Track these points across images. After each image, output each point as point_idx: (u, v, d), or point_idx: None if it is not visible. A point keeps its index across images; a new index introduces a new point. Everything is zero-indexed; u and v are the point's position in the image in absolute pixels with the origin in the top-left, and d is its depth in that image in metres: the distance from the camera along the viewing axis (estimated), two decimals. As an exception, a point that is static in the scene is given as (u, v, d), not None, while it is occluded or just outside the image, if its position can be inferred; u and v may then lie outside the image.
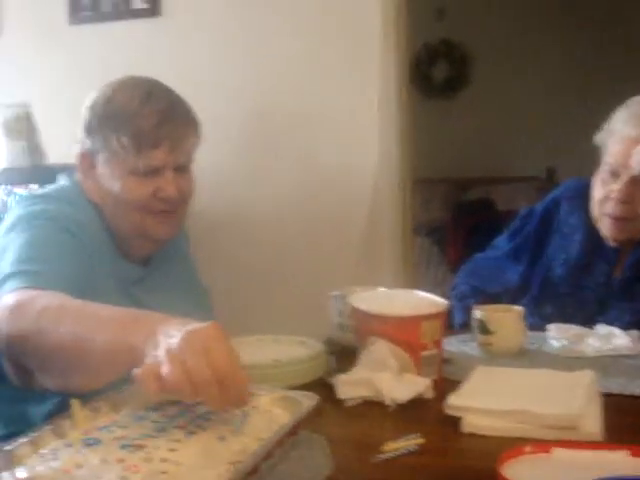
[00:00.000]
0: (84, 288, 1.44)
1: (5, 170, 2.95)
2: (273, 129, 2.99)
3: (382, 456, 1.12)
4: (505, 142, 6.17)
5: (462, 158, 6.13)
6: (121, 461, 0.97)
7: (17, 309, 1.26)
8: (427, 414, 1.32)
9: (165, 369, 1.00)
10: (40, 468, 0.97)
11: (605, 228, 1.92)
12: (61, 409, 1.16)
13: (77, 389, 1.17)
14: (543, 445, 1.10)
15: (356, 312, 1.51)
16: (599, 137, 1.93)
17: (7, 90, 3.17)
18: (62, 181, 1.74)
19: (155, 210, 1.63)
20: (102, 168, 1.63)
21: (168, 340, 1.04)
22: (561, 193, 2.11)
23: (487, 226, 3.21)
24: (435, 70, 6.51)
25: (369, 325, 1.47)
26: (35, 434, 1.05)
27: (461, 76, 6.47)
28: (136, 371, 1.02)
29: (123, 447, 1.01)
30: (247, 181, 3.02)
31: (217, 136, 3.04)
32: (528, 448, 1.09)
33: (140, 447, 1.01)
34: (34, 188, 2.74)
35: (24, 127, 2.97)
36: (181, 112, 1.65)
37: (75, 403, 1.12)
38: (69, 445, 1.03)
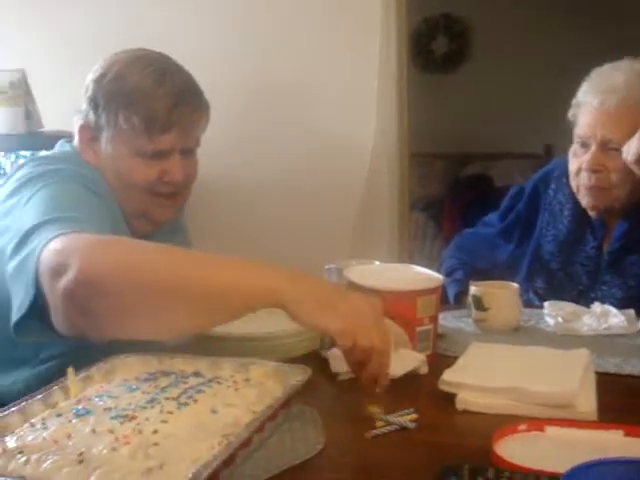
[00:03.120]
0: None
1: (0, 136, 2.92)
2: (271, 101, 2.97)
3: (375, 431, 1.12)
4: (504, 118, 6.13)
5: (461, 133, 6.10)
6: (111, 432, 0.96)
7: (105, 245, 1.14)
8: (421, 390, 1.32)
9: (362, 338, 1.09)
10: (29, 437, 0.96)
11: (583, 199, 1.93)
12: (41, 379, 1.14)
13: (171, 333, 1.15)
14: (537, 423, 1.09)
15: (352, 286, 1.50)
16: (570, 113, 1.96)
17: (2, 55, 3.13)
18: (62, 147, 1.67)
19: (159, 193, 1.59)
20: (106, 144, 1.57)
21: (354, 302, 1.12)
22: (549, 171, 2.11)
23: (484, 202, 3.19)
24: (435, 44, 6.46)
25: (364, 299, 1.45)
26: (25, 403, 1.04)
27: (461, 51, 6.42)
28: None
29: (114, 418, 1.00)
30: (242, 153, 2.99)
31: (214, 107, 3.02)
32: (522, 426, 1.08)
33: (131, 418, 1.00)
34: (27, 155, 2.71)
35: (19, 93, 2.94)
36: (194, 96, 1.59)
37: (71, 371, 1.11)
38: (59, 415, 1.03)
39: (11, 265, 1.24)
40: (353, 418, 1.18)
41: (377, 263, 1.70)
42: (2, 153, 2.84)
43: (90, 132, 1.59)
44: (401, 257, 2.93)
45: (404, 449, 1.09)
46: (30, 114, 2.97)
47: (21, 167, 1.52)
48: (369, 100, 2.88)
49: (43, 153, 1.70)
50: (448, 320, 1.71)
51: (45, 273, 1.13)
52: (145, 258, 1.13)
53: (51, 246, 1.15)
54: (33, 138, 2.84)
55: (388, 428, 1.13)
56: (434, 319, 1.47)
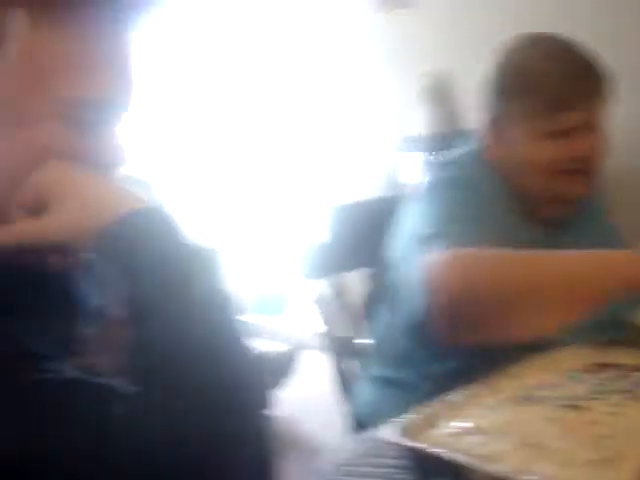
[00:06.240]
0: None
1: (423, 137, 3.06)
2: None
3: None
4: None
5: None
6: (559, 420, 0.96)
7: (477, 263, 1.30)
8: None
9: None
10: (481, 420, 1.00)
11: None
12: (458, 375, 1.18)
13: (543, 329, 1.24)
14: None
15: None
16: None
17: (427, 58, 3.26)
18: (461, 147, 1.72)
19: (566, 170, 1.55)
20: (510, 132, 1.58)
21: None
22: None
23: None
24: None
25: None
26: (469, 390, 1.09)
27: None
28: None
29: (560, 406, 1.00)
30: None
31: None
32: None
33: (576, 407, 1.00)
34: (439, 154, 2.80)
35: (442, 94, 3.07)
36: (595, 69, 1.55)
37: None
38: (506, 400, 1.05)
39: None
40: None
41: None
42: (426, 152, 2.98)
43: (496, 124, 1.60)
44: None
45: None
46: (450, 114, 3.09)
47: (427, 172, 1.64)
48: None
49: (443, 157, 1.75)
50: None
51: (427, 286, 1.30)
52: (512, 269, 1.30)
53: (436, 260, 1.31)
54: (453, 137, 2.93)
55: None
56: None
